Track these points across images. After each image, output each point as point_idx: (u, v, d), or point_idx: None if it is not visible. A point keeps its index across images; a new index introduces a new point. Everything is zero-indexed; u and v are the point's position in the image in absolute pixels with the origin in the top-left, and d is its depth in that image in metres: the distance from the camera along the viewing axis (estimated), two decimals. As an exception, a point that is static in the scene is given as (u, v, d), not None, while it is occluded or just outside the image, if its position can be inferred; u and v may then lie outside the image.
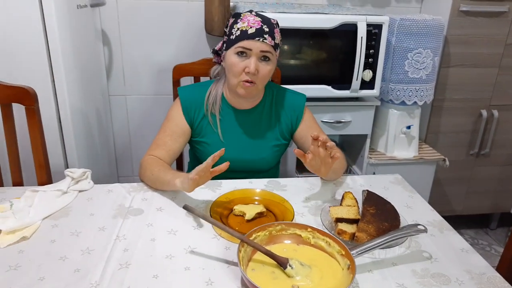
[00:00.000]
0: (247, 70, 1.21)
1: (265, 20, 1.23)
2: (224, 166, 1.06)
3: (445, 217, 1.17)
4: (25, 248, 0.97)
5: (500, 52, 2.10)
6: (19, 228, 1.02)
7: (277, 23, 1.26)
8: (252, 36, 1.19)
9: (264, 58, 1.22)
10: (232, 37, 1.22)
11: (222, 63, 1.33)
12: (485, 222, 2.63)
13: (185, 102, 1.34)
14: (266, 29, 1.21)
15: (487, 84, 2.16)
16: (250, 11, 1.26)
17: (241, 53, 1.21)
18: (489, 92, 2.18)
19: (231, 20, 1.27)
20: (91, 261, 0.93)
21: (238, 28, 1.22)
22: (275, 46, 1.23)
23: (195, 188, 1.10)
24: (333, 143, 1.09)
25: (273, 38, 1.22)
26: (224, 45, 1.27)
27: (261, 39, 1.19)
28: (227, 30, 1.27)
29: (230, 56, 1.23)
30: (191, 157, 1.52)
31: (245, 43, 1.20)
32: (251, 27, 1.20)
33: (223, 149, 1.06)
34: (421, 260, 0.98)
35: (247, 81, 1.22)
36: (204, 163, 1.04)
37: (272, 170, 1.46)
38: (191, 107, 1.34)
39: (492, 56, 2.10)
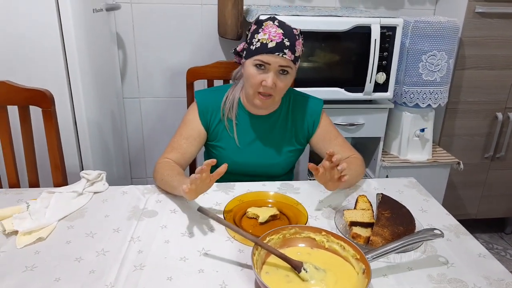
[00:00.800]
0: (264, 84, 1.20)
1: (287, 32, 1.19)
2: (223, 168, 1.04)
3: (459, 221, 1.15)
4: (41, 249, 0.98)
5: (516, 54, 2.07)
6: (36, 229, 1.03)
7: (300, 33, 1.23)
8: (271, 51, 1.17)
9: (283, 72, 1.21)
10: (252, 47, 1.20)
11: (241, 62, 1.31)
12: (500, 226, 2.59)
13: (202, 106, 1.34)
14: (287, 43, 1.18)
15: (502, 86, 2.13)
16: (273, 20, 1.22)
17: (260, 66, 1.20)
18: (505, 94, 2.15)
19: (253, 27, 1.24)
20: (106, 263, 0.93)
21: (258, 40, 1.19)
22: (295, 60, 1.21)
23: (196, 197, 1.08)
24: (345, 165, 1.07)
25: (294, 52, 1.19)
26: (244, 52, 1.25)
27: (280, 54, 1.17)
28: (248, 36, 1.25)
29: (249, 66, 1.22)
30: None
31: (264, 57, 1.18)
32: (271, 41, 1.17)
33: (214, 160, 1.04)
34: (437, 265, 0.96)
35: (263, 94, 1.22)
36: (194, 174, 1.01)
37: (286, 175, 1.45)
38: (208, 111, 1.34)
39: (508, 58, 2.07)
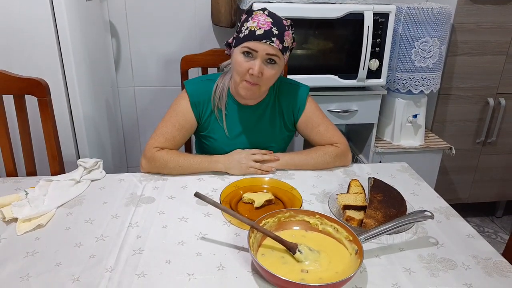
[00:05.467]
0: (250, 72, 1.19)
1: (276, 22, 1.19)
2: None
3: (451, 205, 1.18)
4: (41, 236, 1.00)
5: (507, 40, 2.09)
6: (35, 216, 1.05)
7: (290, 25, 1.23)
8: (259, 38, 1.17)
9: (270, 61, 1.21)
10: (241, 35, 1.20)
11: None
12: (491, 210, 2.64)
13: (194, 98, 1.33)
14: (275, 32, 1.17)
15: (494, 72, 2.15)
16: (264, 10, 1.22)
17: (247, 53, 1.20)
18: (496, 80, 2.18)
19: (244, 16, 1.24)
20: (105, 248, 0.96)
21: (247, 27, 1.19)
22: (283, 50, 1.20)
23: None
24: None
25: (282, 41, 1.19)
26: (234, 41, 1.25)
27: (268, 42, 1.17)
28: (239, 25, 1.25)
29: (237, 54, 1.22)
30: (197, 151, 1.53)
31: (252, 44, 1.18)
32: (260, 28, 1.17)
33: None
34: (428, 245, 0.99)
35: (249, 82, 1.22)
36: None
37: None
38: (200, 102, 1.33)
39: (499, 44, 2.09)
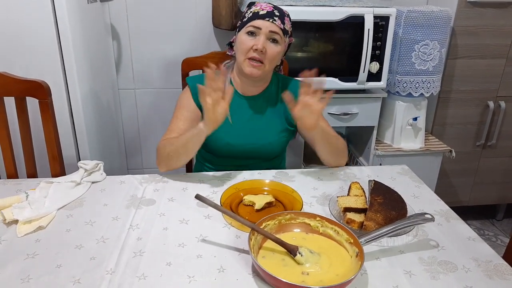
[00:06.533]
0: (255, 47, 1.25)
1: (277, 7, 1.29)
2: (229, 89, 1.17)
3: (451, 208, 1.18)
4: (42, 237, 1.00)
5: (507, 43, 2.10)
6: (35, 218, 1.05)
7: (288, 15, 1.32)
8: (262, 16, 1.25)
9: (273, 40, 1.27)
10: (244, 19, 1.29)
11: (233, 54, 1.36)
12: (492, 213, 2.64)
13: (195, 89, 1.35)
14: (277, 13, 1.27)
15: (494, 75, 2.16)
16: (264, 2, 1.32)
17: (251, 33, 1.26)
18: (496, 83, 2.18)
19: (246, 9, 1.33)
20: (106, 250, 0.95)
21: (251, 12, 1.28)
22: (284, 32, 1.28)
23: (217, 122, 1.18)
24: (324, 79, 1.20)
25: (283, 22, 1.27)
26: (237, 29, 1.32)
27: (270, 20, 1.25)
28: (242, 16, 1.32)
29: (241, 35, 1.28)
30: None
31: (255, 22, 1.25)
32: (262, 10, 1.27)
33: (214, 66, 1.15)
34: (428, 248, 0.99)
35: (254, 59, 1.26)
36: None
37: (278, 158, 1.47)
38: None
39: (499, 47, 2.10)
